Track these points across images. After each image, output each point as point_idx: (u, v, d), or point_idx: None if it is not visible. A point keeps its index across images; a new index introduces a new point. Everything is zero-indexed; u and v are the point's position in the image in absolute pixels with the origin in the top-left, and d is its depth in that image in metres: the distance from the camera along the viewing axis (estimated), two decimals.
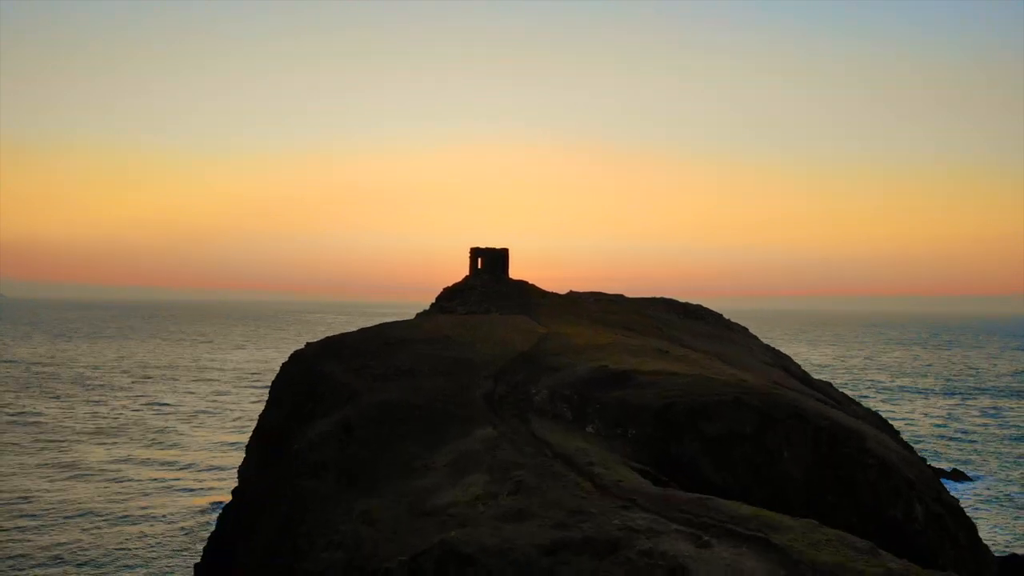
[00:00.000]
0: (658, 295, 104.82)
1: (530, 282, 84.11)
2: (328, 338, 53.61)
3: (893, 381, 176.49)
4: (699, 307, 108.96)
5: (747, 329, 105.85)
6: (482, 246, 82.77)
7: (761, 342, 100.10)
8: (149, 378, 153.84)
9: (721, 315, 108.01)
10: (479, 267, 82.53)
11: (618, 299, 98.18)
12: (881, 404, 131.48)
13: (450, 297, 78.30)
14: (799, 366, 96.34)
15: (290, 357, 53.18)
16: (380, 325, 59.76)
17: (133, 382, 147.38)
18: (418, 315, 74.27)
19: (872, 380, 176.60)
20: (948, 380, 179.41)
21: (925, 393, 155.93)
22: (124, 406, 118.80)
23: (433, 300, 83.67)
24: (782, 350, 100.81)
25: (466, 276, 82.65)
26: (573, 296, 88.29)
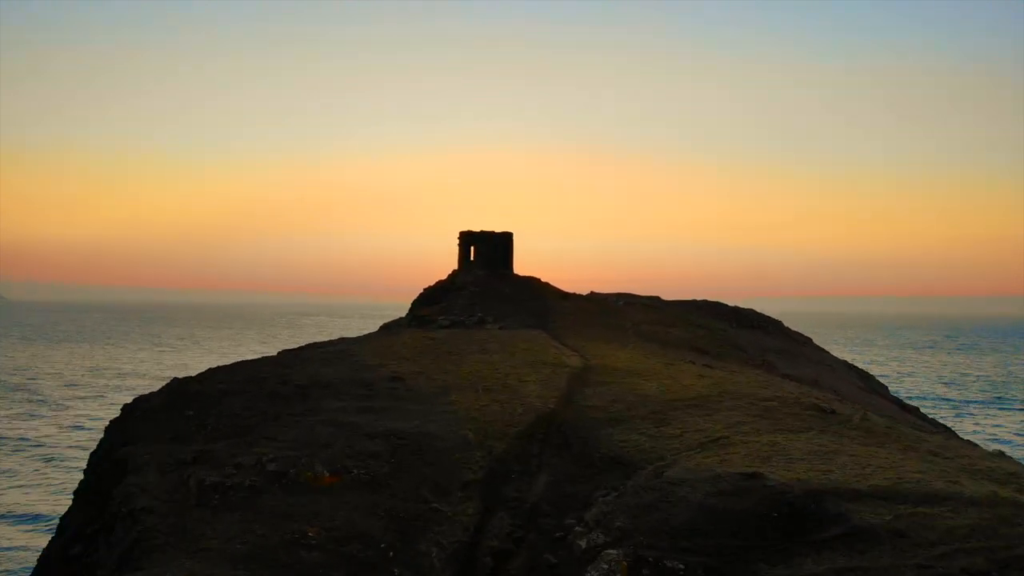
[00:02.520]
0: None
1: (542, 279, 58.82)
2: (187, 380, 28.26)
3: (947, 393, 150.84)
4: (751, 311, 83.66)
5: (811, 340, 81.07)
6: (477, 230, 57.81)
7: (834, 356, 75.42)
8: (117, 389, 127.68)
9: (780, 322, 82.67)
10: (471, 259, 57.83)
11: (655, 303, 73.12)
12: (951, 423, 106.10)
13: (430, 300, 53.14)
14: (885, 386, 71.89)
15: (124, 410, 27.81)
16: (301, 349, 34.48)
17: (85, 395, 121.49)
18: (382, 327, 49.16)
19: (922, 392, 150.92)
20: (995, 390, 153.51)
21: (984, 406, 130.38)
22: (58, 424, 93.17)
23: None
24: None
25: (454, 271, 57.77)
26: (598, 299, 62.79)
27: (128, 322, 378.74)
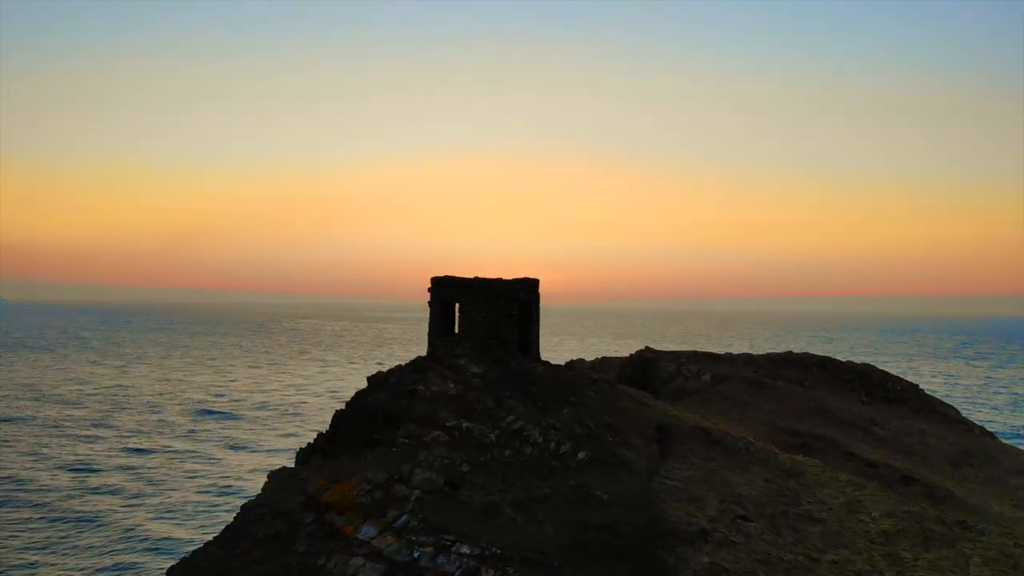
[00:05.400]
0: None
1: (590, 371, 27.25)
2: None
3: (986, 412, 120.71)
4: (870, 369, 55.89)
5: (953, 408, 53.43)
6: (468, 275, 26.38)
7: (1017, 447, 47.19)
8: (84, 408, 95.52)
9: (916, 386, 54.01)
10: (456, 330, 26.91)
11: (761, 378, 44.06)
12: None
13: (361, 436, 21.97)
14: None
15: None
16: None
17: (30, 414, 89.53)
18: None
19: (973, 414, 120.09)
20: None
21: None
22: None
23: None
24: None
25: (419, 359, 26.30)
26: (679, 394, 32.87)
27: (131, 325, 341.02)
